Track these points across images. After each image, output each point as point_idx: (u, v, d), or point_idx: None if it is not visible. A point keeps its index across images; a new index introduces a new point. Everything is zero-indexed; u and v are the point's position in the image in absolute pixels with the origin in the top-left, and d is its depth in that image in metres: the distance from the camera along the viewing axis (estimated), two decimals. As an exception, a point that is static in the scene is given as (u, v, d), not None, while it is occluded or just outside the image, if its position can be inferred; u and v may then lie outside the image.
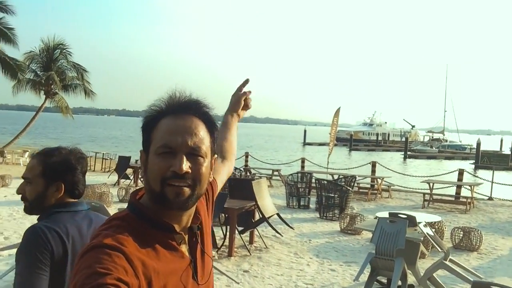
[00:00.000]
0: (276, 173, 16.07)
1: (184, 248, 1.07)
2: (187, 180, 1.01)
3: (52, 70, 24.38)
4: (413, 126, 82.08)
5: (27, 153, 21.21)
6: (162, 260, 0.99)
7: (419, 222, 5.21)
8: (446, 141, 65.11)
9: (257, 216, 6.99)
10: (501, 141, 55.50)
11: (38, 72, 24.74)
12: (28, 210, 1.73)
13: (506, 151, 49.06)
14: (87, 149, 23.40)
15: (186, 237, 1.09)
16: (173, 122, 1.05)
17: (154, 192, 1.02)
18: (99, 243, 0.91)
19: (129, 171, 14.29)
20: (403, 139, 73.61)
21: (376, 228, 5.03)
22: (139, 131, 1.09)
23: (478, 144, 37.05)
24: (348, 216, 8.49)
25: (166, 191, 1.00)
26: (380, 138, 71.67)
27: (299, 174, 12.22)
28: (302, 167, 16.62)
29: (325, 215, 9.73)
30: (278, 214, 6.99)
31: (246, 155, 18.85)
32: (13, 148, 22.52)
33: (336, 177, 13.48)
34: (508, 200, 13.06)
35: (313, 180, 11.83)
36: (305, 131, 71.51)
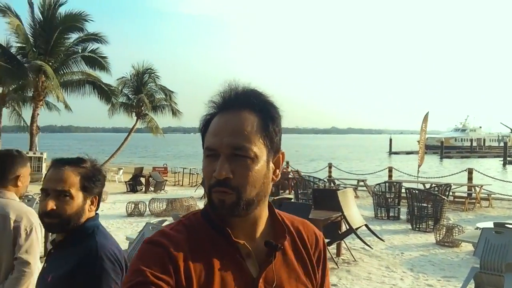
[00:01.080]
0: (361, 183, 15.52)
1: (249, 262, 0.94)
2: (229, 185, 0.90)
3: (142, 93, 26.07)
4: (512, 130, 75.51)
5: (121, 170, 22.71)
6: (212, 264, 0.91)
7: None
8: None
9: (343, 228, 6.70)
10: None
11: (130, 96, 26.57)
12: (60, 228, 1.59)
13: None
14: (175, 165, 24.53)
15: (255, 251, 0.95)
16: (217, 121, 0.95)
17: (207, 197, 0.95)
18: (149, 238, 0.92)
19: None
20: (501, 144, 67.96)
21: (479, 240, 4.55)
22: None
23: None
24: (445, 228, 7.85)
25: (213, 197, 0.92)
26: (474, 144, 66.78)
27: (387, 184, 11.62)
28: (390, 176, 15.87)
29: (417, 226, 9.11)
30: (366, 225, 6.65)
31: (330, 166, 18.49)
32: (109, 166, 24.24)
33: (427, 186, 12.68)
34: None
35: (403, 190, 11.22)
36: (390, 139, 68.75)
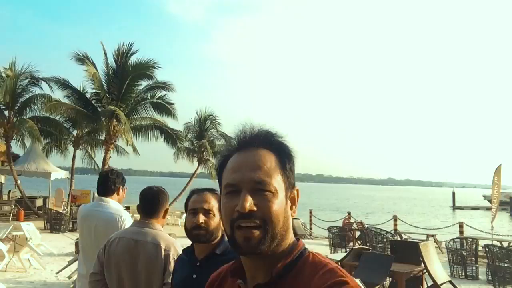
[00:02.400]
0: (431, 238, 14.77)
1: None
2: (255, 219, 0.91)
3: (204, 139, 26.92)
4: None
5: (184, 215, 23.16)
6: None
7: None
8: None
9: (425, 283, 6.38)
10: None
11: (193, 141, 27.52)
12: (205, 238, 1.91)
13: None
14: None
15: None
16: (237, 159, 0.98)
17: (228, 237, 0.95)
18: None
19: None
20: None
21: None
22: None
23: None
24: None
25: (236, 235, 0.92)
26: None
27: (461, 240, 11.00)
28: (461, 232, 15.01)
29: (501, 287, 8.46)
30: (451, 282, 6.30)
31: (395, 218, 17.81)
32: (172, 210, 24.83)
33: (505, 244, 11.87)
34: None
35: (479, 248, 10.57)
36: (453, 193, 65.46)
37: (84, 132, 24.08)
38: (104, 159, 22.60)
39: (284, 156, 0.99)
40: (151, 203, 2.57)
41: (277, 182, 0.95)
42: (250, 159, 0.97)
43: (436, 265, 6.33)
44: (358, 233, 15.39)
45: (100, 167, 23.10)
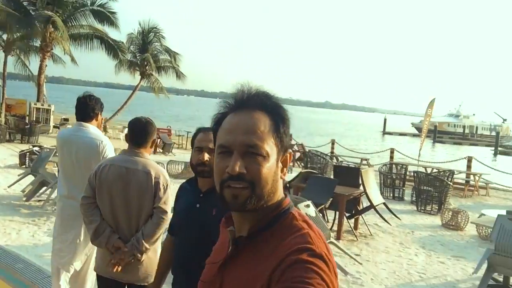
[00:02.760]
0: (364, 162, 15.97)
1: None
2: (243, 181, 0.95)
3: (148, 52, 25.94)
4: (504, 120, 76.46)
5: (126, 129, 22.93)
6: (222, 239, 1.13)
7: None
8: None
9: (361, 204, 7.13)
10: None
11: (136, 54, 26.44)
12: (209, 174, 2.01)
13: None
14: (178, 128, 24.79)
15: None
16: (231, 120, 1.00)
17: (217, 193, 1.00)
18: None
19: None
20: (493, 133, 68.92)
21: (495, 225, 4.98)
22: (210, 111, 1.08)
23: None
24: (451, 212, 8.33)
25: (224, 193, 0.97)
26: (467, 131, 67.46)
27: (391, 165, 12.08)
28: (391, 157, 16.31)
29: (422, 208, 9.59)
30: (385, 204, 7.08)
31: (333, 142, 18.86)
32: (113, 124, 24.41)
33: (429, 170, 13.18)
34: None
35: (408, 172, 11.74)
36: (385, 119, 69.36)
37: (15, 36, 22.25)
38: (40, 68, 21.35)
39: (279, 119, 1.01)
40: (140, 133, 2.68)
41: (269, 146, 0.98)
42: (244, 121, 0.99)
43: (374, 189, 7.06)
44: (297, 155, 16.28)
45: (36, 75, 21.86)
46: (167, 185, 2.65)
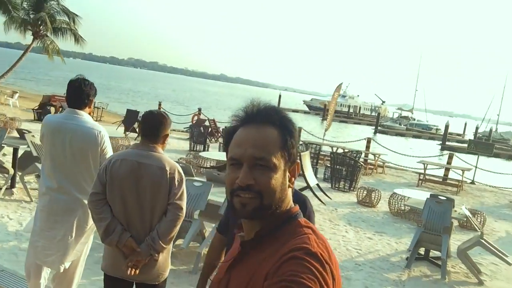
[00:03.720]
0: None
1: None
2: (252, 192, 1.02)
3: (44, 11, 23.54)
4: (383, 102, 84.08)
5: (16, 94, 20.78)
6: (233, 245, 1.22)
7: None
8: (414, 119, 67.00)
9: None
10: (465, 125, 57.32)
11: (29, 11, 23.83)
12: None
13: (469, 135, 51.46)
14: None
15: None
16: (241, 134, 1.07)
17: (228, 201, 1.09)
18: None
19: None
20: (373, 113, 75.64)
21: (424, 207, 5.77)
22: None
23: (447, 126, 38.91)
24: (366, 190, 9.26)
25: (234, 201, 1.04)
26: (351, 110, 72.90)
27: (307, 145, 12.88)
28: (299, 136, 17.20)
29: (336, 186, 10.48)
30: (318, 185, 7.65)
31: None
32: (1, 89, 21.93)
33: (334, 149, 14.33)
34: (490, 185, 14.27)
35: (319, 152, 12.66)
36: (280, 96, 71.95)
37: None
38: None
39: (286, 132, 1.07)
40: (154, 128, 2.60)
41: (277, 158, 1.04)
42: (253, 135, 1.05)
43: (309, 171, 7.58)
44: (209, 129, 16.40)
45: None
46: (182, 180, 2.59)
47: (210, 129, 15.51)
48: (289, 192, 1.11)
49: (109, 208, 2.54)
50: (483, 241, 5.55)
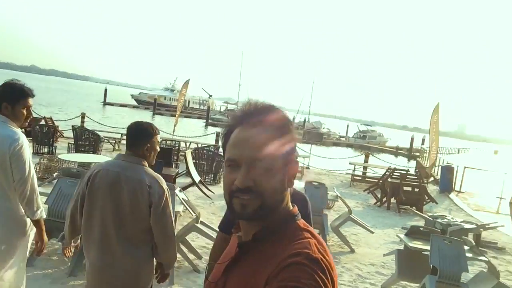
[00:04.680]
0: (124, 136, 16.07)
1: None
2: (251, 193, 1.00)
3: None
4: (210, 96, 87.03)
5: None
6: (229, 245, 1.20)
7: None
8: (239, 112, 71.20)
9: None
10: (293, 118, 62.47)
11: None
12: None
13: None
14: None
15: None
16: (238, 134, 1.04)
17: (227, 202, 1.05)
18: None
19: None
20: (201, 107, 77.87)
21: (306, 193, 6.61)
22: None
23: None
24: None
25: (233, 202, 1.02)
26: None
27: (172, 142, 12.95)
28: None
29: (204, 179, 10.87)
30: (200, 181, 7.93)
31: (83, 115, 17.96)
32: None
33: (188, 144, 14.74)
34: (323, 169, 16.51)
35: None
36: (106, 90, 68.44)
37: None
38: None
39: (284, 132, 1.04)
40: (136, 137, 2.55)
41: (275, 158, 1.02)
42: (250, 135, 1.02)
43: (192, 168, 7.79)
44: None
45: None
46: (162, 194, 2.48)
47: (53, 129, 14.17)
48: (288, 193, 1.10)
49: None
50: (352, 216, 6.68)
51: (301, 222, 1.09)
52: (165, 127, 19.92)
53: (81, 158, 9.11)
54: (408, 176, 11.60)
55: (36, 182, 2.88)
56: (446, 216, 9.21)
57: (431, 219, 8.46)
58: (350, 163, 15.73)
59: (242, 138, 1.03)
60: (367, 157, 16.71)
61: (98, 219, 2.47)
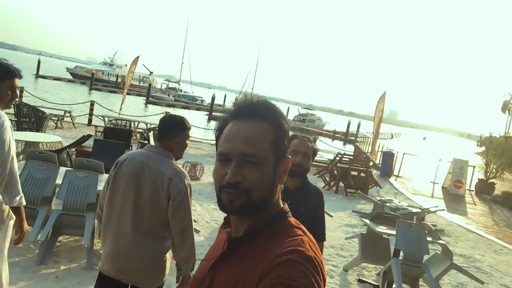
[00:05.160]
0: (67, 113, 15.31)
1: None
2: (240, 188, 0.99)
3: None
4: (151, 72, 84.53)
5: None
6: (220, 237, 1.20)
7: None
8: (181, 91, 69.92)
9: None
10: (225, 96, 61.13)
11: None
12: (300, 174, 2.51)
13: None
14: None
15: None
16: (231, 128, 1.04)
17: (217, 196, 1.05)
18: None
19: None
20: (141, 83, 75.47)
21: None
22: None
23: (213, 98, 43.82)
24: (190, 164, 9.87)
25: (222, 196, 1.01)
26: (119, 80, 70.72)
27: (122, 121, 12.53)
28: (91, 110, 16.17)
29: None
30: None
31: (21, 90, 16.83)
32: None
33: (136, 124, 14.38)
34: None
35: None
36: (39, 61, 64.32)
37: None
38: None
39: (278, 128, 1.04)
40: (168, 130, 2.56)
41: (267, 154, 1.01)
42: (243, 130, 1.02)
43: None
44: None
45: None
46: (182, 190, 2.45)
47: None
48: (279, 189, 1.08)
49: None
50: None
51: (292, 219, 1.08)
52: (107, 105, 19.19)
53: (27, 137, 8.59)
54: (355, 162, 12.14)
55: (16, 167, 2.72)
56: (392, 200, 9.83)
57: (380, 203, 8.99)
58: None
59: (235, 132, 1.03)
60: (314, 141, 17.17)
61: (117, 207, 2.49)
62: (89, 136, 7.32)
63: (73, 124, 14.97)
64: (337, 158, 12.19)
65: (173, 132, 2.57)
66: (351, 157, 12.33)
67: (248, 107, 1.04)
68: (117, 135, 7.72)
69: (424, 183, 16.12)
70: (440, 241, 5.20)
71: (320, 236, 2.43)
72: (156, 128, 2.82)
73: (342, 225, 8.06)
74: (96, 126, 14.42)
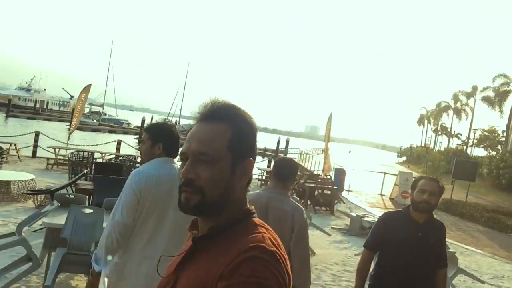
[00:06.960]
0: (13, 146, 14.34)
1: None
2: (193, 187, 1.01)
3: None
4: (72, 97, 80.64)
5: None
6: (186, 243, 1.17)
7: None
8: (106, 114, 67.31)
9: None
10: (152, 118, 60.09)
11: None
12: (428, 210, 2.83)
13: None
14: None
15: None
16: (192, 130, 1.08)
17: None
18: None
19: None
20: (62, 108, 71.69)
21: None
22: None
23: (143, 121, 42.04)
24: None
25: (180, 196, 1.04)
26: (38, 105, 66.55)
27: (79, 153, 12.06)
28: (36, 141, 15.30)
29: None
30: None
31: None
32: None
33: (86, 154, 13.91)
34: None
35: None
36: None
37: None
38: None
39: (236, 128, 1.06)
40: (290, 172, 2.85)
41: (222, 153, 1.03)
42: (200, 130, 1.06)
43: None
44: None
45: None
46: (303, 226, 2.70)
47: None
48: (240, 190, 1.09)
49: None
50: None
51: (257, 219, 1.09)
52: (23, 131, 17.99)
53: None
54: (320, 180, 12.78)
55: None
56: (366, 214, 10.54)
57: (358, 218, 9.62)
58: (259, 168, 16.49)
59: (193, 134, 1.06)
60: (270, 162, 17.71)
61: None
62: (85, 173, 7.11)
63: (18, 157, 14.07)
64: (304, 177, 12.74)
65: (294, 175, 2.92)
66: (319, 177, 12.93)
67: (210, 109, 1.08)
68: (108, 170, 7.57)
69: (373, 196, 17.22)
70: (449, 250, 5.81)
71: (445, 263, 2.92)
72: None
73: (331, 242, 8.50)
74: (48, 159, 13.67)
